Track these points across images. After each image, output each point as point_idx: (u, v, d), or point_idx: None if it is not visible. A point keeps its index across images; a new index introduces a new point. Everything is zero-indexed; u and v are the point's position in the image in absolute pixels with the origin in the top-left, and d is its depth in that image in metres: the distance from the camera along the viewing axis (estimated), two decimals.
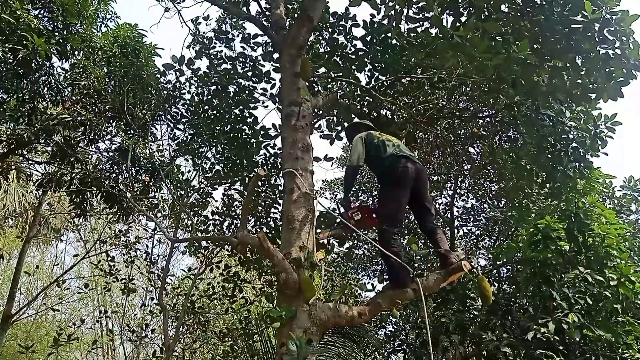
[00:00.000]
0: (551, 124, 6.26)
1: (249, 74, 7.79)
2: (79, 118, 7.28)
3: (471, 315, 7.88)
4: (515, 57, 4.15)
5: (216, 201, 9.00)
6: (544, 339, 6.42)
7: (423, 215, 4.58)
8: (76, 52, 7.46)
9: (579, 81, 4.57)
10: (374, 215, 4.73)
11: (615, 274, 6.93)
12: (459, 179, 11.56)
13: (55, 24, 7.09)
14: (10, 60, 6.46)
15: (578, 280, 7.02)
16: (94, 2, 7.88)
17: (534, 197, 8.45)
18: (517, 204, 8.81)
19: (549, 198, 7.74)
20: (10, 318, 10.55)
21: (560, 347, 6.54)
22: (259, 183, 7.81)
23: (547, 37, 4.45)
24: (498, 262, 9.70)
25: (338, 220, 4.84)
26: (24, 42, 6.14)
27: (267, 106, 8.06)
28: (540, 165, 6.62)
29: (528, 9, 4.52)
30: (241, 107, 7.90)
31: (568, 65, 4.52)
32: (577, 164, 6.48)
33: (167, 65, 7.54)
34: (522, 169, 7.18)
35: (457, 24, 4.65)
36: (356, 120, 5.54)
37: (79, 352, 13.79)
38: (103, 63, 7.71)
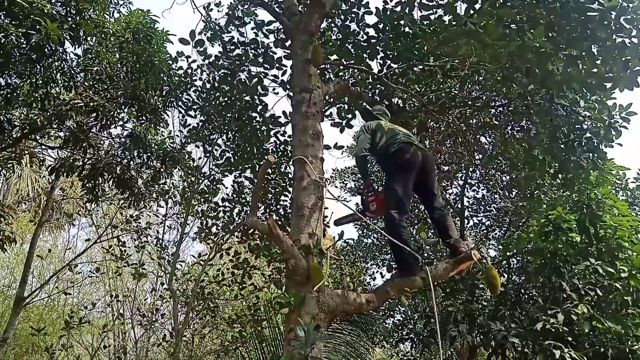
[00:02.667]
0: (565, 113, 6.20)
1: (260, 60, 7.78)
2: (91, 104, 7.28)
3: (480, 305, 7.87)
4: (529, 45, 4.10)
5: (226, 188, 9.07)
6: (553, 330, 6.41)
7: (431, 204, 4.57)
8: (89, 38, 7.45)
9: (595, 70, 4.51)
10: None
11: (626, 266, 6.89)
12: (470, 169, 11.50)
13: (68, 9, 7.08)
14: (24, 45, 6.48)
15: (588, 271, 6.97)
16: None
17: (546, 188, 8.38)
18: (528, 195, 8.75)
19: (561, 189, 7.67)
20: (23, 301, 10.70)
21: (569, 339, 6.52)
22: (269, 170, 7.83)
23: (563, 25, 4.39)
24: (508, 253, 9.67)
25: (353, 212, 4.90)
26: (37, 27, 6.14)
27: (277, 93, 8.06)
28: (553, 156, 6.56)
29: None
30: (252, 94, 7.90)
31: (583, 53, 4.47)
32: (591, 154, 6.41)
33: (183, 40, 7.48)
34: (535, 159, 7.12)
35: (471, 11, 4.60)
36: (369, 107, 5.47)
37: (90, 336, 13.96)
38: (115, 49, 7.71)
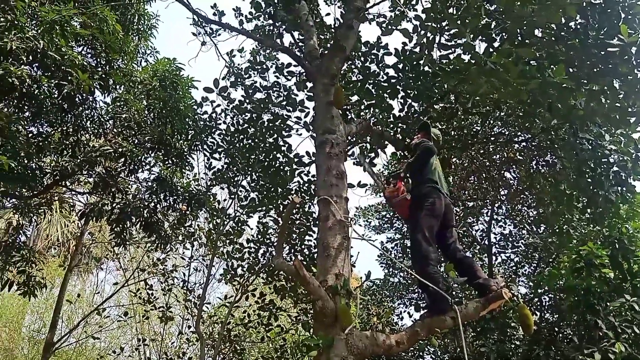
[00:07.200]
0: (590, 147, 6.14)
1: (283, 102, 7.95)
2: (120, 149, 7.48)
3: (512, 345, 7.65)
4: (550, 82, 4.11)
5: (251, 229, 9.10)
6: None
7: (452, 245, 4.57)
8: (118, 87, 7.73)
9: (618, 105, 4.48)
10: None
11: None
12: (496, 205, 11.37)
13: (98, 60, 7.39)
14: (55, 95, 6.74)
15: (624, 308, 6.76)
16: (134, 38, 8.20)
17: (575, 223, 8.23)
18: (557, 230, 8.59)
19: (591, 223, 7.53)
20: (53, 346, 10.77)
21: None
22: (294, 210, 7.86)
23: (583, 60, 4.40)
24: (539, 290, 9.44)
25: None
26: (69, 78, 6.41)
27: (300, 134, 8.19)
28: (580, 190, 6.47)
29: (563, 34, 4.49)
30: (275, 136, 8.03)
31: (605, 88, 4.45)
32: (619, 188, 6.32)
33: (208, 89, 7.79)
34: (562, 193, 7.03)
35: (490, 50, 4.65)
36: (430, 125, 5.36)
37: None
38: (143, 96, 7.96)
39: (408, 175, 4.93)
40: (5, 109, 6.70)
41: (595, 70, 4.38)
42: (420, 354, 12.11)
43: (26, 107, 6.93)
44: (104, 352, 12.75)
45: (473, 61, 4.45)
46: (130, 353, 13.10)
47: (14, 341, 15.92)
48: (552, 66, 4.25)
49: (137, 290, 10.19)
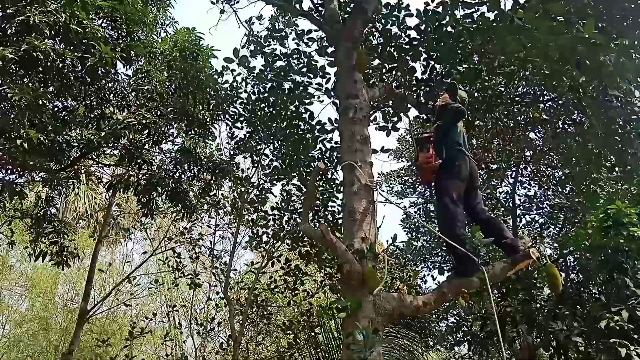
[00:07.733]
0: (619, 104, 6.01)
1: (304, 70, 7.89)
2: (143, 121, 7.50)
3: (538, 305, 7.67)
4: (580, 38, 4.00)
5: (275, 196, 9.19)
6: (618, 328, 6.19)
7: (478, 206, 4.62)
8: (139, 58, 7.72)
9: None
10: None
11: None
12: (521, 166, 11.25)
13: (119, 32, 7.38)
14: (78, 69, 6.77)
15: None
16: (153, 9, 8.15)
17: (603, 182, 8.11)
18: (584, 190, 8.49)
19: (619, 182, 7.41)
20: (87, 314, 11.13)
21: (635, 336, 6.28)
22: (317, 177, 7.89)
23: (613, 15, 4.28)
24: (565, 251, 9.38)
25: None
26: (92, 51, 6.43)
27: (322, 101, 8.16)
28: (609, 148, 6.36)
29: None
30: (297, 103, 8.02)
31: (636, 43, 4.33)
32: None
33: (228, 59, 7.77)
34: (589, 152, 6.92)
35: (517, 7, 4.53)
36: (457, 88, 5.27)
37: (150, 345, 14.38)
38: (164, 67, 7.94)
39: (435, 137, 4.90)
40: (30, 84, 6.77)
41: (625, 24, 4.26)
42: (444, 315, 12.23)
43: (50, 82, 6.99)
44: (136, 319, 13.16)
45: (498, 19, 4.35)
46: (162, 319, 13.51)
47: (48, 310, 16.50)
48: (581, 21, 4.13)
49: (165, 259, 10.41)
